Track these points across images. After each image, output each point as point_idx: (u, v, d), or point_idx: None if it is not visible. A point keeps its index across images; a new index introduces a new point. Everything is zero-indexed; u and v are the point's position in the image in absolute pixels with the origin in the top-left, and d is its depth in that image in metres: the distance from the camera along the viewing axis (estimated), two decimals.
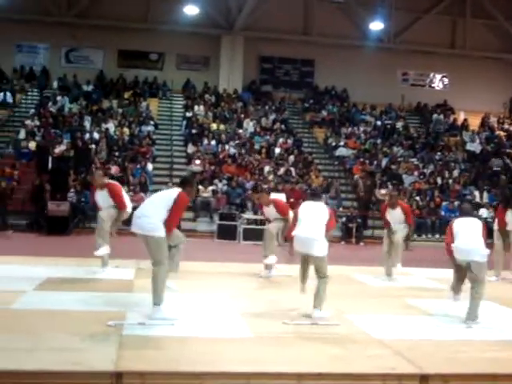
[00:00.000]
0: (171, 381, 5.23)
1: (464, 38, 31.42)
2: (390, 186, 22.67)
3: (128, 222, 8.29)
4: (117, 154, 22.69)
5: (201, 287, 9.41)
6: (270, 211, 10.98)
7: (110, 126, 24.86)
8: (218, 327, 6.89)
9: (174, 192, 7.39)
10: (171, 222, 7.20)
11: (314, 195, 8.73)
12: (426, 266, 12.10)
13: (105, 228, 9.86)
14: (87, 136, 23.41)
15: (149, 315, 7.04)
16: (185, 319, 7.12)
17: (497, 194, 23.25)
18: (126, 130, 25.04)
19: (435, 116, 30.69)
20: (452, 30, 31.87)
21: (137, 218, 7.29)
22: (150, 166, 22.52)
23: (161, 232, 7.08)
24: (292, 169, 23.43)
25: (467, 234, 7.90)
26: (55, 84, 28.19)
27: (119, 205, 9.98)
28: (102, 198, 10.05)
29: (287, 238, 8.24)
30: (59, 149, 21.46)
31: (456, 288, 8.33)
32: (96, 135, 23.64)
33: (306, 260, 7.85)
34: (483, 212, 21.68)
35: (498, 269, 11.72)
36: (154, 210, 7.21)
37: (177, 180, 22.04)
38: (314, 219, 7.75)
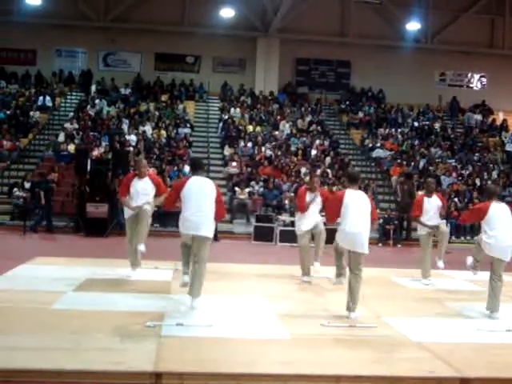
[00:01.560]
0: (209, 382, 5.27)
1: (503, 37, 30.96)
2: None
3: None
4: (154, 156, 22.86)
5: (238, 289, 9.45)
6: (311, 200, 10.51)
7: (148, 128, 25.07)
8: (256, 329, 6.92)
9: (210, 184, 7.93)
10: (223, 210, 8.22)
11: (353, 180, 8.05)
12: (465, 269, 11.93)
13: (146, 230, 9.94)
14: (125, 138, 23.64)
15: (191, 306, 7.66)
16: (222, 321, 7.16)
17: None
18: (163, 132, 25.24)
19: (468, 113, 30.51)
20: (490, 29, 31.46)
21: (196, 222, 7.69)
22: (187, 168, 22.57)
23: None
24: (328, 170, 23.34)
25: (506, 226, 7.97)
26: (93, 87, 28.54)
27: (160, 190, 9.92)
28: (139, 187, 9.86)
29: (328, 221, 8.21)
30: (98, 151, 21.72)
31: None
32: (133, 138, 23.86)
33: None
34: None
35: None
36: (210, 212, 7.78)
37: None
38: (361, 213, 7.70)
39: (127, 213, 10.02)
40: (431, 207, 10.82)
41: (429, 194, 10.97)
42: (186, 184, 7.86)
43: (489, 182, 23.88)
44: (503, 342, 6.80)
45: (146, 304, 7.90)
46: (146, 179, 9.94)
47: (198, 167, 8.18)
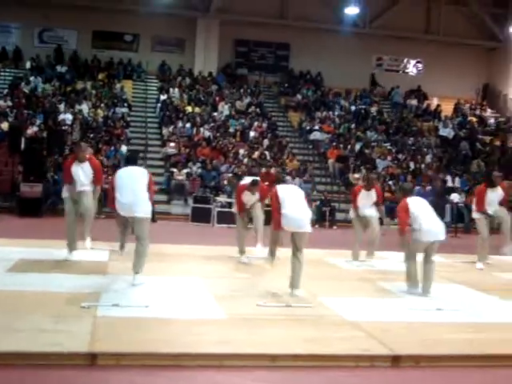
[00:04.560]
0: (145, 362, 5.25)
1: (438, 23, 31.52)
2: (364, 171, 22.85)
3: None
4: (91, 135, 22.51)
5: (175, 270, 9.44)
6: (251, 197, 10.68)
7: (84, 107, 24.65)
8: (192, 309, 6.93)
9: (143, 172, 8.36)
10: (152, 195, 8.43)
11: (280, 181, 8.76)
12: (398, 250, 12.19)
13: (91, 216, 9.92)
14: (61, 117, 23.17)
15: (133, 283, 7.92)
16: (159, 301, 7.15)
17: (469, 179, 23.57)
18: (100, 111, 24.85)
19: (395, 90, 31.45)
20: (427, 15, 31.93)
21: (132, 204, 7.96)
22: (124, 148, 22.37)
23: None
24: (266, 152, 23.45)
25: (429, 214, 8.37)
26: (28, 64, 27.82)
27: (98, 180, 9.84)
28: (81, 171, 9.67)
29: (275, 229, 8.31)
30: (32, 130, 21.24)
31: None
32: (69, 116, 23.42)
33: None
34: (455, 197, 21.92)
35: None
36: (144, 194, 8.07)
37: (152, 163, 22.00)
38: (298, 198, 8.09)
39: (66, 194, 9.81)
40: (367, 200, 11.01)
41: (368, 188, 11.10)
42: (116, 175, 8.27)
43: (423, 166, 24.44)
44: (434, 321, 6.99)
45: (82, 285, 7.81)
46: (86, 163, 9.75)
47: (130, 161, 8.72)
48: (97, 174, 9.82)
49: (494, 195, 11.49)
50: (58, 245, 10.22)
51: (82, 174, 9.66)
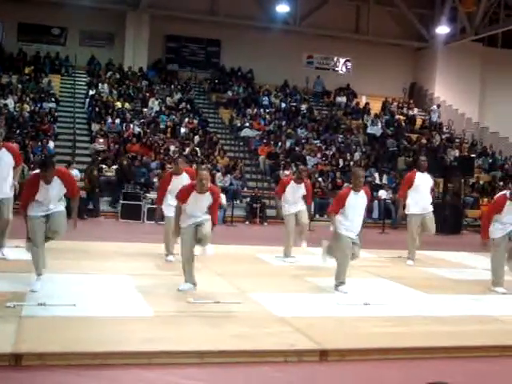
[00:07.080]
0: (71, 361, 5.17)
1: (367, 23, 32.05)
2: (294, 168, 23.05)
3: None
4: (17, 131, 21.95)
5: (102, 267, 9.30)
6: (177, 184, 9.75)
7: (10, 101, 24.02)
8: (120, 307, 6.86)
9: None
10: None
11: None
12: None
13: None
14: None
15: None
16: (86, 300, 7.05)
17: (396, 176, 24.08)
18: (26, 106, 24.25)
19: (316, 79, 31.98)
20: (356, 15, 32.44)
21: None
22: (51, 144, 21.93)
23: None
24: (197, 149, 23.38)
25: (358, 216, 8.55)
26: None
27: (17, 160, 9.21)
28: None
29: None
30: None
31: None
32: None
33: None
34: (382, 193, 22.36)
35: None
36: None
37: (80, 159, 21.69)
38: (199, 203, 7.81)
39: None
40: (295, 194, 10.95)
41: (298, 181, 11.05)
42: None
43: (351, 163, 24.81)
44: (360, 315, 7.12)
45: (6, 284, 7.63)
46: (3, 150, 9.14)
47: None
48: (16, 158, 9.23)
49: (423, 180, 11.30)
50: None
51: None
